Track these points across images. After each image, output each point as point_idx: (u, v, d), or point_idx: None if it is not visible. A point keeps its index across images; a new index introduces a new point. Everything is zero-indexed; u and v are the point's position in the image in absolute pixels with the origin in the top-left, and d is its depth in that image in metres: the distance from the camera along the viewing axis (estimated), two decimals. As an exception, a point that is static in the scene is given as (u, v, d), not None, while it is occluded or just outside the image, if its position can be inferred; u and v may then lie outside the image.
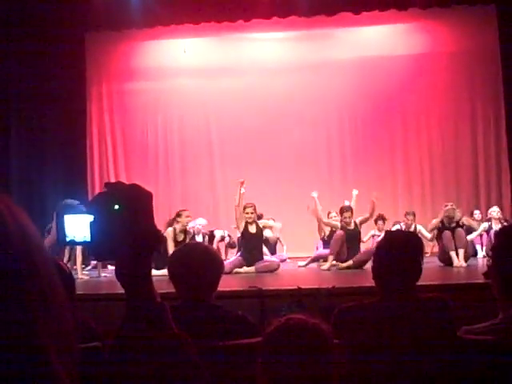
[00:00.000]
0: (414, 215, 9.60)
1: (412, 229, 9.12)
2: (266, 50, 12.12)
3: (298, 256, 10.40)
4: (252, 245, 8.54)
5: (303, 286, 5.26)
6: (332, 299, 4.65)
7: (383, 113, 11.85)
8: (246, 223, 8.71)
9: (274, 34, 12.00)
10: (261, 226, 8.89)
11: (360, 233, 8.89)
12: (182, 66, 12.12)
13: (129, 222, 1.02)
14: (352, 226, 8.71)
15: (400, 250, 2.60)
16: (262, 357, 1.69)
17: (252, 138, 11.90)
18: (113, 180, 11.93)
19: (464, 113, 11.75)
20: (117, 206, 1.02)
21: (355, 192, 9.19)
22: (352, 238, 8.62)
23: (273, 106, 11.82)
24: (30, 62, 11.06)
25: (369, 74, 11.74)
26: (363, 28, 11.72)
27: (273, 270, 8.24)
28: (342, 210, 8.85)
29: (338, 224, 8.85)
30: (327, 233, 9.48)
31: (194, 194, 11.93)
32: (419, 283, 2.67)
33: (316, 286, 5.42)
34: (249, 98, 11.91)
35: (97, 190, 11.94)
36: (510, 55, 10.87)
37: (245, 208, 8.76)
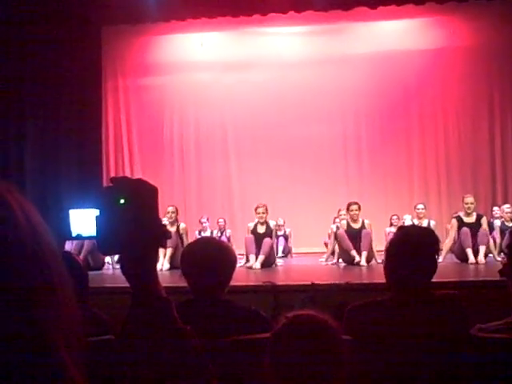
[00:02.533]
0: (424, 207, 9.40)
1: (424, 223, 9.01)
2: (282, 44, 12.09)
3: (311, 251, 10.41)
4: (261, 245, 8.52)
5: (317, 282, 5.25)
6: (346, 295, 4.64)
7: (400, 107, 11.79)
8: (256, 223, 8.73)
9: (291, 29, 11.96)
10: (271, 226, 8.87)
11: (367, 233, 8.53)
12: (197, 61, 12.12)
13: (134, 216, 1.03)
14: (358, 224, 8.54)
15: (414, 246, 2.55)
16: (270, 353, 1.69)
17: (268, 132, 11.88)
18: (128, 174, 12.00)
19: (481, 108, 11.65)
20: (122, 201, 1.03)
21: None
22: (356, 236, 8.41)
23: (289, 101, 11.79)
24: (47, 55, 11.12)
25: (385, 68, 11.68)
26: (380, 22, 11.66)
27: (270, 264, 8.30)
28: (349, 205, 8.71)
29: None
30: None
31: (209, 188, 11.95)
32: (433, 280, 2.65)
33: (330, 282, 5.41)
34: (265, 92, 11.90)
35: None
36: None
37: (256, 208, 8.75)
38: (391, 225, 9.98)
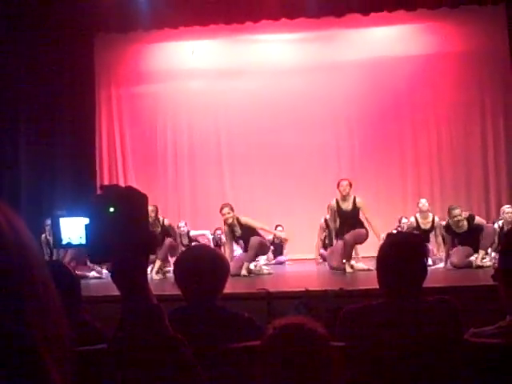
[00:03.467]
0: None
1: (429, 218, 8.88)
2: (274, 51, 12.12)
3: (304, 258, 10.41)
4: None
5: (311, 288, 5.25)
6: (339, 301, 4.63)
7: (392, 113, 11.82)
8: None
9: (283, 36, 12.00)
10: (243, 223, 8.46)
11: (358, 213, 8.17)
12: (190, 68, 12.14)
13: (124, 224, 1.02)
14: (349, 203, 8.16)
15: (402, 252, 2.58)
16: (259, 361, 1.68)
17: (261, 139, 11.90)
18: (121, 182, 11.99)
19: (473, 113, 11.71)
20: (112, 209, 1.02)
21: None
22: (346, 215, 8.12)
23: (281, 107, 11.81)
24: (39, 64, 11.12)
25: (377, 74, 11.72)
26: (372, 29, 11.71)
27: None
28: (339, 182, 8.34)
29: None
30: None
31: (202, 196, 11.95)
32: (426, 285, 2.66)
33: (324, 288, 5.41)
34: (257, 99, 11.92)
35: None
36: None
37: (221, 209, 8.44)
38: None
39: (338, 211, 8.28)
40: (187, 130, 12.40)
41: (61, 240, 1.14)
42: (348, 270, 7.84)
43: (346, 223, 8.18)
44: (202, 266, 2.60)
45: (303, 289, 5.19)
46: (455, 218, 8.22)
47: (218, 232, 10.40)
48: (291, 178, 11.60)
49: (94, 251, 1.05)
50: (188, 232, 9.93)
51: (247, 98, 11.97)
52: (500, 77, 11.39)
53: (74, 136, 11.62)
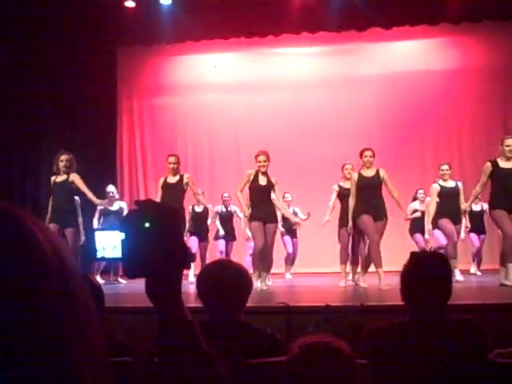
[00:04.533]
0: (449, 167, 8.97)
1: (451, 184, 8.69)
2: (295, 64, 12.15)
3: (325, 271, 10.36)
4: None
5: (332, 304, 5.22)
6: (360, 317, 4.60)
7: (414, 128, 11.77)
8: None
9: (304, 49, 12.03)
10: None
11: (381, 184, 7.95)
12: (211, 81, 12.20)
13: (159, 239, 1.03)
14: (372, 172, 7.98)
15: (426, 271, 2.57)
16: (285, 379, 1.68)
17: (281, 153, 11.87)
18: (142, 195, 12.06)
19: (496, 130, 11.60)
20: (147, 224, 1.04)
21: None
22: (370, 186, 7.87)
23: (303, 121, 11.82)
24: (62, 76, 11.25)
25: (399, 89, 11.70)
26: (394, 43, 11.70)
27: None
28: (363, 151, 8.18)
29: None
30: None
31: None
32: (450, 303, 2.64)
33: (344, 304, 5.38)
34: (278, 113, 11.94)
35: (126, 205, 12.06)
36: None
37: (257, 156, 8.31)
38: (414, 199, 9.93)
39: (360, 181, 7.96)
40: (207, 142, 12.45)
41: (96, 253, 1.16)
42: (363, 284, 7.81)
43: (367, 194, 7.86)
44: (225, 281, 2.60)
45: (324, 304, 5.16)
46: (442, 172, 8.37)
47: (226, 195, 10.51)
48: (311, 192, 11.56)
49: (129, 266, 1.06)
50: None
51: (267, 111, 11.99)
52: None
53: (96, 146, 11.73)
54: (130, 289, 8.34)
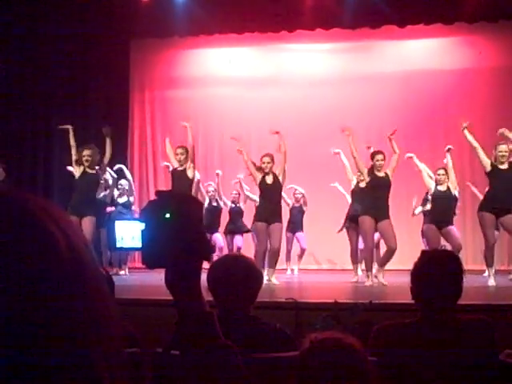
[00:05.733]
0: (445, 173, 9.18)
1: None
2: (308, 61, 12.12)
3: (333, 268, 10.36)
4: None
5: (340, 300, 5.22)
6: (369, 314, 4.60)
7: (426, 127, 11.72)
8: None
9: (318, 46, 12.00)
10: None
11: (390, 184, 8.27)
12: (224, 75, 12.20)
13: (179, 230, 1.03)
14: (382, 173, 8.27)
15: (438, 270, 2.56)
16: (296, 374, 1.68)
17: (292, 148, 11.84)
18: (152, 186, 12.08)
19: (508, 127, 11.53)
20: (168, 215, 1.04)
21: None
22: (380, 185, 8.14)
23: (315, 117, 11.80)
24: (75, 67, 11.29)
25: (412, 87, 11.65)
26: (408, 41, 11.65)
27: None
28: (374, 154, 8.42)
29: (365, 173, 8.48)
30: (354, 181, 9.27)
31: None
32: (460, 302, 2.63)
33: (353, 301, 5.37)
34: (290, 108, 11.92)
35: (136, 196, 12.09)
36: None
37: (262, 157, 8.66)
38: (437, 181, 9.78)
39: (373, 181, 8.20)
40: (218, 136, 12.45)
41: (115, 243, 1.17)
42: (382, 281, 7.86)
43: (380, 196, 8.07)
44: (235, 275, 2.60)
45: (332, 300, 5.16)
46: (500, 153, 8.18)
47: (234, 192, 10.66)
48: (322, 189, 11.55)
49: (149, 256, 1.06)
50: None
51: (279, 106, 11.97)
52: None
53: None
54: (133, 281, 8.39)
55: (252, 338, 2.51)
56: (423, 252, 2.79)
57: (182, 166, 8.72)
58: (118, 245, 1.17)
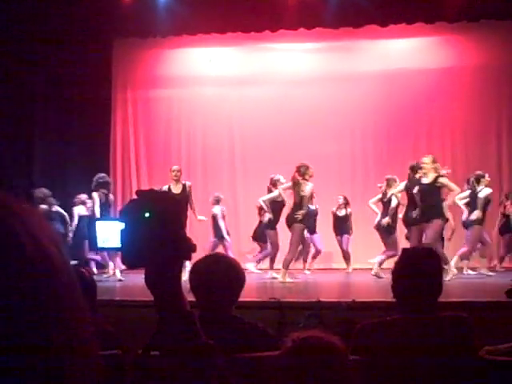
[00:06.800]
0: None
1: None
2: (291, 60, 12.13)
3: (319, 267, 10.38)
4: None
5: (323, 299, 5.23)
6: (352, 313, 4.62)
7: (408, 126, 11.78)
8: None
9: (300, 45, 12.02)
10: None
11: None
12: (207, 75, 12.17)
13: (159, 229, 1.03)
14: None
15: (418, 268, 2.58)
16: (278, 374, 1.68)
17: (275, 148, 11.89)
18: (134, 186, 12.04)
19: (490, 128, 11.65)
20: (147, 214, 1.03)
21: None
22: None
23: (297, 117, 11.81)
24: (58, 66, 11.21)
25: (395, 86, 11.70)
26: (390, 41, 11.70)
27: None
28: (415, 169, 8.63)
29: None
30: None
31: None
32: (441, 300, 2.65)
33: (336, 300, 5.39)
34: (273, 108, 11.92)
35: (118, 196, 12.03)
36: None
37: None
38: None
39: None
40: (201, 135, 12.43)
41: (96, 243, 1.16)
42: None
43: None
44: (217, 275, 2.60)
45: (315, 299, 5.18)
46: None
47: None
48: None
49: (128, 256, 1.05)
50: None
51: (262, 106, 11.97)
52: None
53: (90, 137, 11.70)
54: (127, 282, 8.35)
55: (234, 338, 2.51)
56: (404, 250, 2.81)
57: (177, 184, 9.34)
58: (100, 245, 1.16)
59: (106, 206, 9.24)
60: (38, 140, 11.46)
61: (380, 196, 9.58)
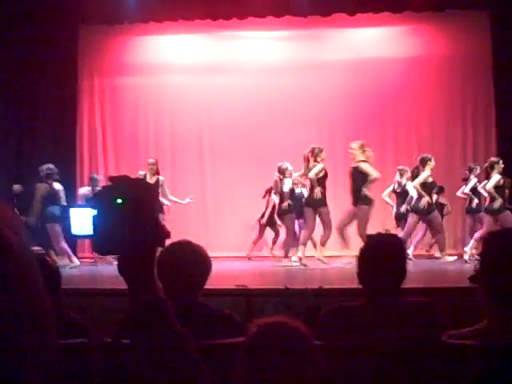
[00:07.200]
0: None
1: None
2: (260, 48, 12.11)
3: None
4: None
5: (290, 286, 5.27)
6: (318, 300, 4.66)
7: (375, 114, 11.86)
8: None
9: (269, 33, 11.99)
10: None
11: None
12: (175, 63, 12.08)
13: (132, 216, 1.01)
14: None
15: (383, 254, 2.61)
16: (242, 361, 1.69)
17: (243, 136, 11.88)
18: (102, 173, 11.93)
19: (455, 116, 11.79)
20: (120, 200, 1.02)
21: None
22: None
23: (265, 105, 11.80)
24: (23, 53, 11.02)
25: (363, 75, 11.75)
26: (358, 29, 11.74)
27: None
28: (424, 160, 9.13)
29: None
30: None
31: (183, 190, 11.88)
32: (405, 286, 2.69)
33: (303, 287, 5.43)
34: (241, 96, 11.89)
35: (85, 184, 11.92)
36: (501, 59, 10.98)
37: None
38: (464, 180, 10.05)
39: None
40: (169, 123, 12.35)
41: (70, 230, 1.15)
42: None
43: None
44: (183, 262, 2.60)
45: (282, 287, 5.21)
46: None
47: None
48: (272, 175, 11.57)
49: (100, 243, 1.04)
50: None
51: (231, 94, 11.93)
52: (482, 80, 11.50)
53: (55, 125, 11.56)
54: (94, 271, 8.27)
55: (201, 325, 2.51)
56: (368, 236, 2.84)
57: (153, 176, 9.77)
58: (74, 232, 1.15)
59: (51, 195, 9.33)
60: (3, 126, 11.27)
61: (392, 187, 9.75)
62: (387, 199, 9.93)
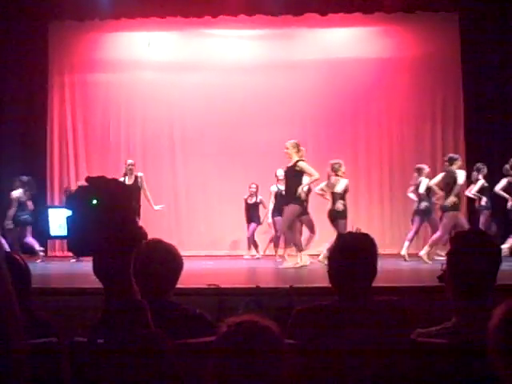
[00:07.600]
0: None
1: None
2: (231, 47, 12.10)
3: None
4: None
5: (262, 285, 5.28)
6: (290, 299, 4.68)
7: (347, 114, 11.94)
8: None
9: (241, 32, 12.00)
10: None
11: None
12: (146, 60, 12.02)
13: (107, 217, 1.00)
14: None
15: (352, 253, 2.62)
16: (212, 360, 1.70)
17: (214, 134, 11.88)
18: (72, 171, 11.81)
19: (425, 116, 11.93)
20: (95, 201, 1.01)
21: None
22: None
23: (236, 103, 11.80)
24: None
25: (334, 75, 11.82)
26: (330, 30, 11.81)
27: None
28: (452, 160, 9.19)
29: None
30: None
31: (155, 187, 11.81)
32: (375, 285, 2.71)
33: (274, 286, 5.45)
34: (213, 94, 11.88)
35: (56, 182, 11.79)
36: (470, 60, 11.21)
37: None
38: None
39: None
40: (141, 120, 12.28)
41: (49, 231, 1.13)
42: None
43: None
44: (154, 261, 2.59)
45: (254, 286, 5.21)
46: None
47: (253, 186, 10.79)
48: (244, 173, 11.59)
49: (75, 244, 1.03)
50: None
51: (202, 91, 11.91)
52: (451, 81, 11.67)
53: (25, 123, 11.40)
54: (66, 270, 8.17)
55: (171, 324, 2.51)
56: (339, 235, 2.86)
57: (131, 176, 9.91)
58: (53, 233, 1.13)
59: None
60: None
61: (414, 186, 9.90)
62: (411, 195, 10.03)
